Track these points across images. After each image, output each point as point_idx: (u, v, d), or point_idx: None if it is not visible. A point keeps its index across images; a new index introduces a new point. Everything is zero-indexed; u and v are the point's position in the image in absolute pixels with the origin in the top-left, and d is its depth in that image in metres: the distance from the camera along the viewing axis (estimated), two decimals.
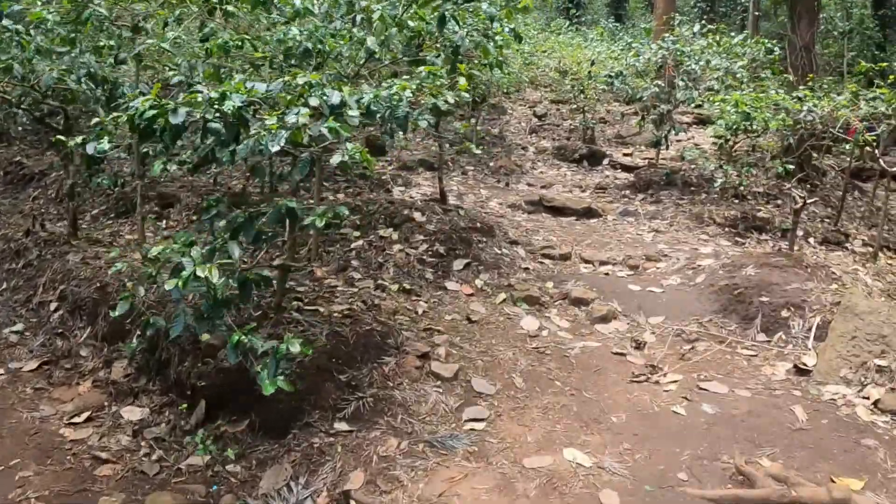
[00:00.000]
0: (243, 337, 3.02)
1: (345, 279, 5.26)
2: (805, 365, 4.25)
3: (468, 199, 8.39)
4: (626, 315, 5.04)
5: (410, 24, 4.69)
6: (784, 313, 4.85)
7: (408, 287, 5.16)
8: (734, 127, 7.05)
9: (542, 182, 9.92)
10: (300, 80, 3.17)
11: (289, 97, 3.15)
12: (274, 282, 3.90)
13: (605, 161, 11.33)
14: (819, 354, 4.34)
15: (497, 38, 5.56)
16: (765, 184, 8.50)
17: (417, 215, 6.09)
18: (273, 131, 2.85)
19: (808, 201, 5.47)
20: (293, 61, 4.10)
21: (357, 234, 5.98)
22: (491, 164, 10.45)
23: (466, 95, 3.86)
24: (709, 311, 5.04)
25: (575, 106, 12.23)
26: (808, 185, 8.67)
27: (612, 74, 9.02)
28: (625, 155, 11.94)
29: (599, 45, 14.96)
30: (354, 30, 4.28)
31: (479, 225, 6.20)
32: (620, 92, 9.60)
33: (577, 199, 8.05)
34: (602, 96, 13.00)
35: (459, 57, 5.23)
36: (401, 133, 3.51)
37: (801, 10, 9.31)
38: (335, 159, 2.97)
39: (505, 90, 11.38)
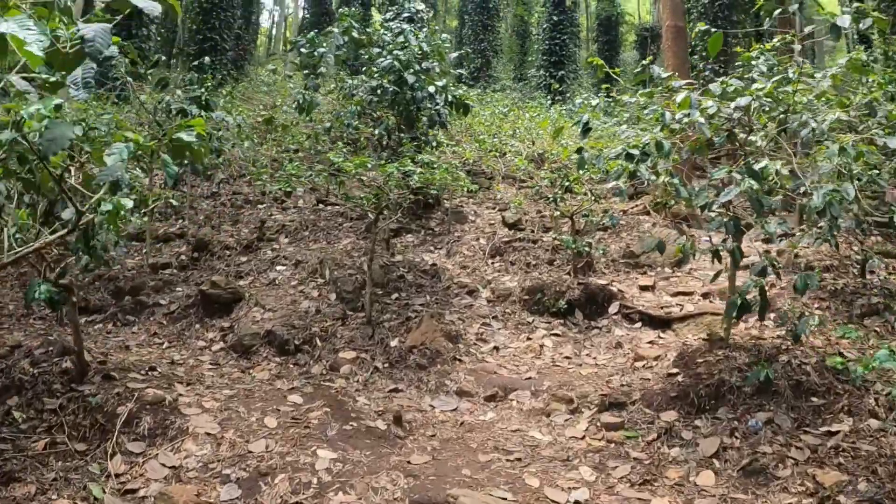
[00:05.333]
0: None
1: None
2: None
3: (285, 488, 3.33)
4: None
5: None
6: None
7: None
8: None
9: (491, 382, 4.91)
10: None
11: None
12: None
13: (613, 308, 6.42)
14: None
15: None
16: None
17: None
18: None
19: None
20: None
21: None
22: (395, 341, 5.42)
23: None
24: None
25: (558, 211, 7.35)
26: None
27: (637, 151, 3.71)
28: (643, 289, 7.00)
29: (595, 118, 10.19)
30: None
31: None
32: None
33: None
34: (597, 187, 8.10)
35: None
36: None
37: None
38: None
39: (467, 189, 6.87)
